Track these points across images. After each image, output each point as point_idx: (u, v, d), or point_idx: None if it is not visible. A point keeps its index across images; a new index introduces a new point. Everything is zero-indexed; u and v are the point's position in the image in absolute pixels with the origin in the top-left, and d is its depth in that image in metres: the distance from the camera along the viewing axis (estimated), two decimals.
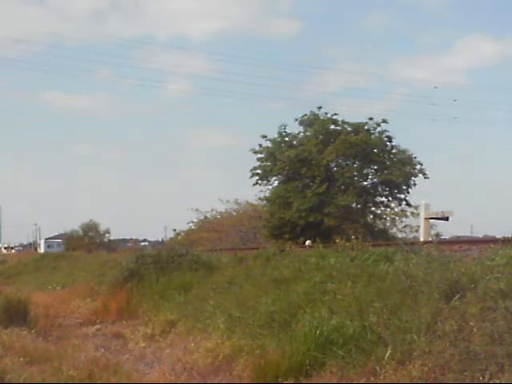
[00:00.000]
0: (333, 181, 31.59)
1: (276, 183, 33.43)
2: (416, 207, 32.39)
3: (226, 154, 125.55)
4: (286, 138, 33.41)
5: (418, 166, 32.03)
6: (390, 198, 32.61)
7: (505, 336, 6.90)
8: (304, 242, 24.61)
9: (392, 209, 34.26)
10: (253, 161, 33.55)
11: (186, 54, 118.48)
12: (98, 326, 16.27)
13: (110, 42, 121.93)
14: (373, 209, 33.18)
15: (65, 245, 66.49)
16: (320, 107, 33.38)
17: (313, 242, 20.64)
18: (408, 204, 32.90)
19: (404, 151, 32.29)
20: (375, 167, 32.20)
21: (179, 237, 50.33)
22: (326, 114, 33.07)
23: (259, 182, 33.57)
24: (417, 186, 32.04)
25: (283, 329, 10.21)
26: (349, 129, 32.31)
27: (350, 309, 9.58)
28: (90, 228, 64.60)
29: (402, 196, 32.32)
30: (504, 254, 9.68)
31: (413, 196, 32.21)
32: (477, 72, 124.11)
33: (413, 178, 31.83)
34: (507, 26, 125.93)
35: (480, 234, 48.06)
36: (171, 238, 55.73)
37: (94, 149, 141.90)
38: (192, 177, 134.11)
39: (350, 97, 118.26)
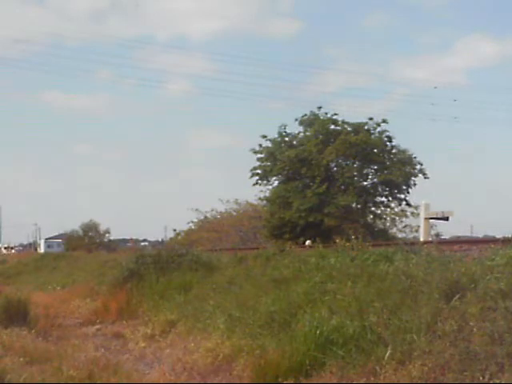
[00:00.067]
0: (333, 181, 31.59)
1: (276, 183, 33.49)
2: (416, 207, 32.42)
3: (226, 153, 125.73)
4: (286, 138, 33.41)
5: (418, 166, 32.06)
6: (390, 198, 32.63)
7: (505, 336, 6.91)
8: (304, 242, 24.61)
9: (392, 209, 34.30)
10: (253, 161, 33.62)
11: (186, 54, 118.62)
12: (98, 326, 16.27)
13: (110, 41, 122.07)
14: (373, 209, 33.21)
15: (65, 245, 66.49)
16: (320, 107, 33.45)
17: (313, 242, 20.64)
18: (408, 204, 32.94)
19: (404, 151, 32.30)
20: (375, 167, 32.20)
21: (179, 237, 50.34)
22: (326, 113, 33.13)
23: (259, 181, 33.60)
24: (417, 186, 32.10)
25: (283, 329, 10.21)
26: (349, 129, 32.31)
27: (350, 309, 9.58)
28: (90, 228, 64.60)
29: (402, 196, 32.38)
30: (504, 254, 9.68)
31: (413, 196, 32.28)
32: (477, 72, 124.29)
33: (413, 178, 31.85)
34: (507, 26, 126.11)
35: (480, 234, 48.11)
36: (171, 238, 55.75)
37: (94, 149, 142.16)
38: (192, 177, 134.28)
39: (349, 97, 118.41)
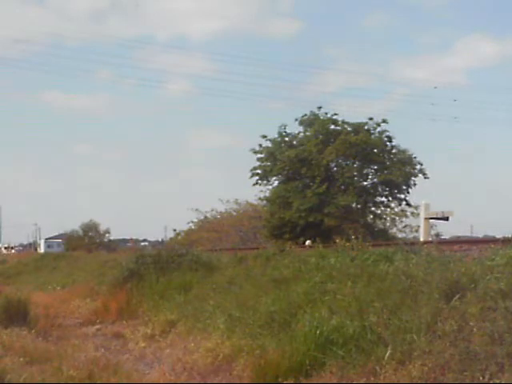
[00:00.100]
0: (333, 181, 31.59)
1: (276, 183, 33.50)
2: (416, 207, 32.42)
3: (226, 153, 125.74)
4: (286, 138, 33.41)
5: (418, 166, 32.07)
6: (390, 198, 32.63)
7: (505, 336, 6.91)
8: (304, 242, 24.61)
9: (392, 209, 34.30)
10: (253, 161, 33.62)
11: (186, 54, 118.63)
12: (98, 326, 16.27)
13: (110, 41, 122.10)
14: (373, 209, 33.21)
15: (65, 245, 66.48)
16: (320, 107, 33.45)
17: (313, 242, 20.64)
18: (408, 204, 32.94)
19: (404, 151, 32.31)
20: (375, 167, 32.20)
21: (179, 237, 50.34)
22: (326, 114, 33.13)
23: (259, 181, 33.60)
24: (417, 186, 32.11)
25: (283, 329, 10.21)
26: (349, 129, 32.31)
27: (350, 309, 9.58)
28: (90, 228, 64.61)
29: (402, 196, 32.38)
30: (504, 254, 9.68)
31: (413, 196, 32.29)
32: (477, 72, 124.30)
33: (413, 178, 31.85)
34: (507, 26, 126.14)
35: (480, 234, 48.12)
36: (171, 238, 55.74)
37: (94, 149, 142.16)
38: (192, 177, 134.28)
39: (349, 97, 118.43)
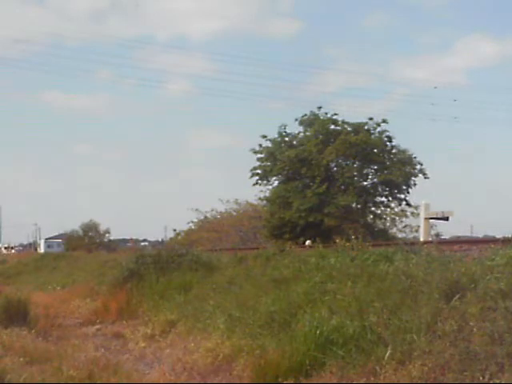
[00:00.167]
0: (333, 181, 31.59)
1: (276, 183, 33.50)
2: (416, 207, 32.43)
3: (226, 153, 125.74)
4: (286, 138, 33.41)
5: (418, 166, 32.07)
6: (390, 198, 32.63)
7: (505, 336, 6.91)
8: (304, 242, 24.61)
9: (392, 209, 34.30)
10: (253, 161, 33.62)
11: (186, 54, 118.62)
12: (98, 326, 16.27)
13: (110, 41, 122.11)
14: (373, 209, 33.21)
15: (65, 245, 66.48)
16: (320, 107, 33.46)
17: (313, 242, 20.64)
18: (408, 204, 32.94)
19: (404, 151, 32.31)
20: (375, 167, 32.21)
21: (179, 237, 50.33)
22: (326, 113, 33.14)
23: (259, 181, 33.61)
24: (417, 186, 32.11)
25: (283, 329, 10.21)
26: (349, 129, 32.31)
27: (350, 309, 9.58)
28: (90, 228, 64.61)
29: (402, 196, 32.38)
30: (504, 254, 9.68)
31: (413, 196, 32.29)
32: (477, 72, 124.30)
33: (413, 178, 31.86)
34: (507, 26, 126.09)
35: (480, 234, 48.11)
36: (171, 238, 55.74)
37: (94, 149, 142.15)
38: (192, 177, 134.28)
39: (349, 97, 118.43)
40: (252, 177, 33.47)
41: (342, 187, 31.21)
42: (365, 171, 32.41)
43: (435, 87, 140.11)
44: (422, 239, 21.69)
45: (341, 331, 8.84)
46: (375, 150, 31.95)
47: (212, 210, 48.71)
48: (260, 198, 36.94)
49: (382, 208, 33.51)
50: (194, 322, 13.17)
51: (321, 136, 32.11)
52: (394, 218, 37.12)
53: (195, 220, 49.37)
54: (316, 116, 33.06)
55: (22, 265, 45.63)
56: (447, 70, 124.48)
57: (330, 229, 29.68)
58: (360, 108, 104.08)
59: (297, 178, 31.99)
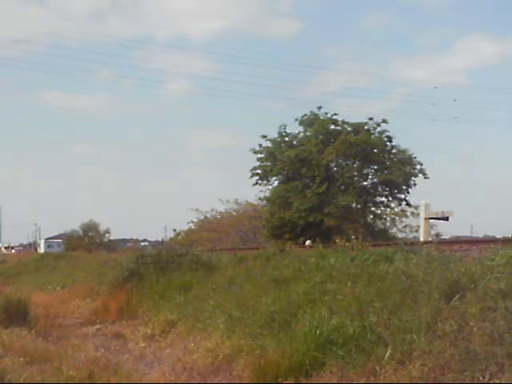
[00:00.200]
0: (333, 181, 31.60)
1: (276, 183, 33.51)
2: (416, 207, 32.43)
3: (226, 153, 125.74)
4: (286, 138, 33.42)
5: (418, 166, 32.08)
6: (390, 198, 32.64)
7: (505, 336, 6.90)
8: (304, 242, 24.61)
9: (392, 209, 34.31)
10: (253, 161, 33.63)
11: (186, 54, 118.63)
12: (98, 326, 16.27)
13: (110, 41, 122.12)
14: (373, 209, 33.22)
15: (65, 245, 66.49)
16: (320, 107, 33.47)
17: (313, 242, 20.64)
18: (408, 204, 32.95)
19: (404, 151, 32.32)
20: (375, 167, 32.21)
21: (179, 237, 50.34)
22: (326, 114, 33.14)
23: (259, 181, 33.61)
24: (417, 186, 32.12)
25: (283, 329, 10.21)
26: (349, 129, 32.32)
27: (350, 309, 9.58)
28: (90, 228, 64.62)
29: (402, 196, 32.39)
30: (504, 254, 9.68)
31: (413, 196, 32.30)
32: (477, 72, 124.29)
33: (413, 178, 31.86)
34: (507, 26, 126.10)
35: (480, 234, 48.10)
36: (171, 238, 55.75)
37: (94, 149, 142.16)
38: (192, 177, 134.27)
39: (349, 97, 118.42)
40: (252, 177, 33.53)
41: (342, 187, 31.22)
42: (365, 171, 32.42)
43: (435, 87, 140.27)
44: (422, 239, 21.68)
45: (341, 331, 8.84)
46: (375, 150, 31.96)
47: (212, 210, 48.80)
48: (260, 198, 37.01)
49: (382, 208, 33.56)
50: (194, 322, 13.17)
51: (321, 136, 32.11)
52: (394, 218, 37.15)
53: (195, 220, 49.47)
54: (316, 116, 33.07)
55: (21, 265, 45.63)
56: (447, 70, 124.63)
57: (329, 229, 29.68)
58: (360, 108, 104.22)
59: (297, 178, 31.99)
